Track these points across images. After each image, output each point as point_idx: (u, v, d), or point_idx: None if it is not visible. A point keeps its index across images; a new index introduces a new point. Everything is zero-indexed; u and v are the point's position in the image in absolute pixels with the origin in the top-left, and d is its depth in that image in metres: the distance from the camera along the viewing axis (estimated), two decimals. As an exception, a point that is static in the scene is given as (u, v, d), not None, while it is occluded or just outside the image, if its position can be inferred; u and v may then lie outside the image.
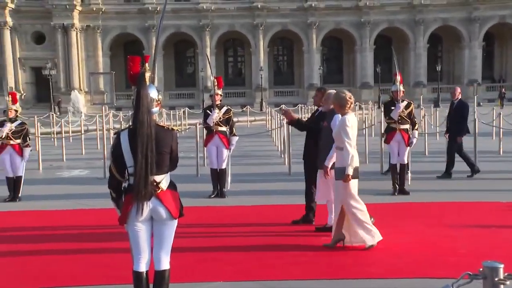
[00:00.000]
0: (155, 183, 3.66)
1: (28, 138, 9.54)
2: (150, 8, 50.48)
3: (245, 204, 8.59)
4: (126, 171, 3.71)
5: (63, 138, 17.15)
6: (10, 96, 9.42)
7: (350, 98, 5.90)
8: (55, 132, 21.53)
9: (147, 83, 3.68)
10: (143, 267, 3.78)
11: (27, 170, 9.96)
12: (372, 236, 5.87)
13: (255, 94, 52.40)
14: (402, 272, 5.17)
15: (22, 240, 6.59)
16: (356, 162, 5.81)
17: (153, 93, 3.73)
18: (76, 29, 50.18)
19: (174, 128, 3.86)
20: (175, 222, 3.82)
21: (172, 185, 3.81)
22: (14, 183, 9.37)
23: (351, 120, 5.84)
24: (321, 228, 6.72)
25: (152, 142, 3.58)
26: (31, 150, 9.91)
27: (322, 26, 52.92)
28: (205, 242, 6.31)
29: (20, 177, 9.42)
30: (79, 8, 50.06)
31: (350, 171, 5.73)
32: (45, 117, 25.45)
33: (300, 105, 34.89)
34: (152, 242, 3.82)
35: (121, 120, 18.94)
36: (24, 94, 49.95)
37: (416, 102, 17.41)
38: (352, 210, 5.87)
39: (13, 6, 48.95)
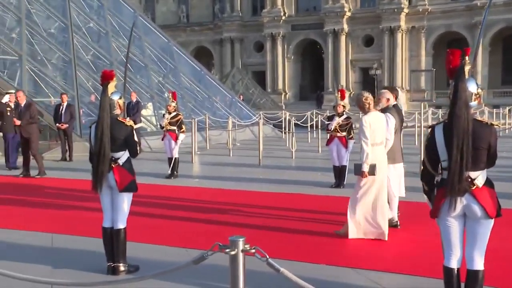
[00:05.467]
0: (469, 179, 3.39)
1: (352, 131, 10.01)
2: (478, 4, 47.16)
3: None
4: (440, 165, 3.52)
5: (384, 133, 17.49)
6: (339, 93, 10.06)
7: (366, 99, 6.01)
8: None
9: (466, 76, 3.42)
10: (454, 264, 3.55)
11: (351, 161, 10.47)
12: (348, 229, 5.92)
13: None
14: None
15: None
16: (372, 160, 5.88)
17: (472, 87, 3.45)
18: (402, 30, 50.73)
19: (494, 123, 3.51)
20: (491, 221, 3.46)
21: (488, 183, 3.47)
22: (339, 171, 9.96)
23: (368, 120, 5.98)
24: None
25: (468, 137, 3.31)
26: (354, 143, 10.41)
27: None
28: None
29: (345, 166, 9.95)
30: (406, 10, 50.48)
31: (365, 168, 5.88)
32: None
33: None
34: (465, 240, 3.55)
35: (440, 117, 18.36)
36: (353, 92, 53.09)
37: None
38: (355, 202, 6.00)
39: (349, 14, 52.56)
